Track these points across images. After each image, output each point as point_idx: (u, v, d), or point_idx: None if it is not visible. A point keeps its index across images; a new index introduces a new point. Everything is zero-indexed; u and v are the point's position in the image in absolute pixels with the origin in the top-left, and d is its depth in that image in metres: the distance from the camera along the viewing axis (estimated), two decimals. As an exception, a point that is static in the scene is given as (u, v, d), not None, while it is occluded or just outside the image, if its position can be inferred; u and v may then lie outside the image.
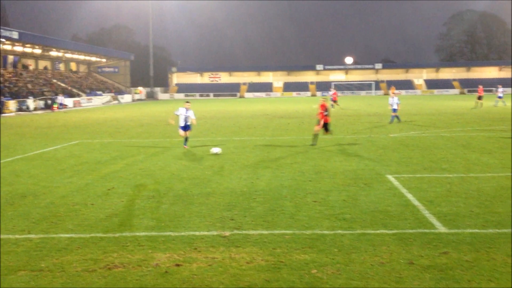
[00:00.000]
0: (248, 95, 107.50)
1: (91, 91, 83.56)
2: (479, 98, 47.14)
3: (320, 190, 11.81)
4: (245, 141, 22.53)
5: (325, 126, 20.44)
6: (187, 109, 19.75)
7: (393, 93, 33.05)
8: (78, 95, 77.03)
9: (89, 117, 45.32)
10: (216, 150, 18.05)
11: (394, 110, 30.25)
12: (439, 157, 16.52)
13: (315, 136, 20.39)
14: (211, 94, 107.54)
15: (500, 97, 49.80)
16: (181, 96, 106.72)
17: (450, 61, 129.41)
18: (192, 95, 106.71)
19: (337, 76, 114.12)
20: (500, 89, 51.04)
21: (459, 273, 6.70)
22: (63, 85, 79.18)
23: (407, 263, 7.08)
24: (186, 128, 19.83)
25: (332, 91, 52.38)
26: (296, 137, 23.43)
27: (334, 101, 49.52)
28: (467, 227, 8.75)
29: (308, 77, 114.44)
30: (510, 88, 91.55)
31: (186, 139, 19.97)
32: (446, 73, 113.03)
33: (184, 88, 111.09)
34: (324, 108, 20.36)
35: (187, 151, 19.24)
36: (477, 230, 8.54)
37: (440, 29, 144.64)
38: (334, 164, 15.66)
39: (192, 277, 6.75)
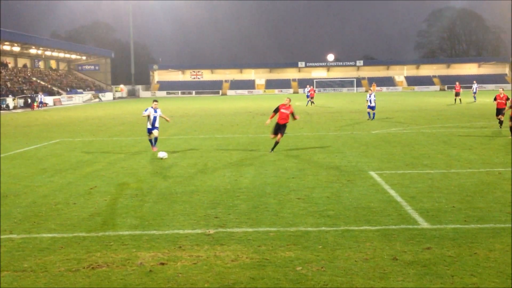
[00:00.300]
0: (230, 92, 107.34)
1: (72, 89, 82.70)
2: (457, 94, 47.91)
3: (303, 187, 11.84)
4: (228, 138, 22.51)
5: (280, 128, 17.90)
6: (155, 109, 18.29)
7: (370, 89, 33.35)
8: (59, 93, 76.17)
9: (70, 115, 44.85)
10: (162, 154, 16.71)
11: (371, 107, 30.44)
12: (420, 153, 16.68)
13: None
14: (193, 91, 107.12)
15: (471, 93, 50.78)
16: (163, 93, 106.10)
17: (430, 58, 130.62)
18: (174, 93, 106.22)
19: (319, 73, 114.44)
20: (474, 86, 51.99)
21: (442, 269, 6.78)
22: (43, 83, 78.24)
23: (391, 259, 7.14)
24: (154, 129, 18.29)
25: (308, 88, 52.66)
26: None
27: (311, 97, 49.98)
28: (449, 222, 8.85)
29: (290, 74, 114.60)
30: (495, 85, 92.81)
31: (155, 140, 18.52)
32: (426, 70, 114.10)
33: (166, 86, 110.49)
34: (288, 108, 17.98)
35: (169, 149, 19.13)
36: (459, 226, 8.64)
37: (420, 26, 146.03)
38: (317, 161, 15.72)
39: (177, 275, 6.73)
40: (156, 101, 18.67)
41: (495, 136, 20.71)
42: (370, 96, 30.50)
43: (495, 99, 24.55)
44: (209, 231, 8.57)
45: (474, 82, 54.82)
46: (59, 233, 8.68)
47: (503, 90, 25.04)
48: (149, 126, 18.34)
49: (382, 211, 9.62)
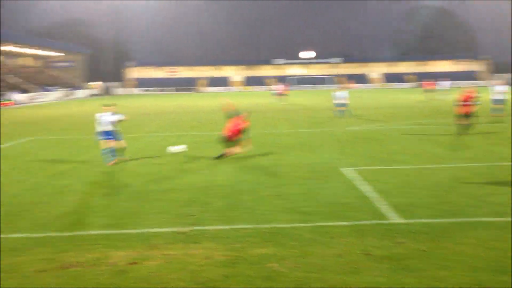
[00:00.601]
0: (207, 89, 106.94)
1: (45, 87, 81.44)
2: (428, 91, 48.70)
3: (279, 184, 11.84)
4: (205, 136, 22.39)
5: (230, 141, 15.65)
6: (113, 113, 15.45)
7: (343, 87, 33.44)
8: (32, 91, 74.94)
9: (43, 113, 44.12)
10: (176, 148, 15.66)
11: (340, 105, 30.50)
12: (395, 150, 16.83)
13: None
14: (170, 88, 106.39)
15: (442, 90, 51.23)
16: (139, 91, 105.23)
17: (406, 55, 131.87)
18: (151, 90, 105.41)
19: (296, 70, 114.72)
20: (444, 83, 52.75)
21: (414, 263, 6.85)
22: (15, 80, 76.87)
23: (364, 254, 7.18)
24: (111, 136, 15.18)
25: (278, 85, 52.64)
26: (256, 131, 23.41)
27: (282, 95, 50.13)
28: (422, 217, 8.95)
29: (268, 71, 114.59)
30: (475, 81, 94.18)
31: (113, 150, 15.24)
32: (403, 67, 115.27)
33: (143, 83, 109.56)
34: (237, 124, 15.73)
35: (145, 146, 18.96)
36: (431, 220, 8.74)
37: (397, 23, 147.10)
38: (292, 157, 15.75)
39: (150, 274, 6.66)
40: (109, 105, 15.57)
41: (467, 132, 20.87)
42: (340, 94, 30.62)
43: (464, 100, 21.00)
44: (183, 229, 8.51)
45: (444, 79, 55.51)
46: (30, 233, 8.52)
47: (472, 88, 22.63)
48: (103, 129, 15.20)
49: (356, 207, 9.68)
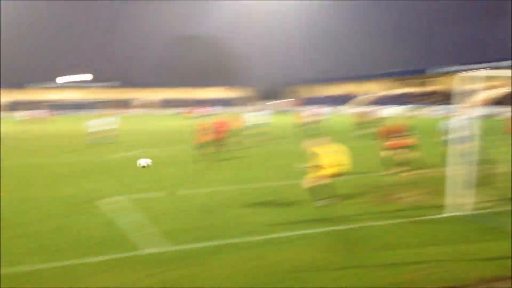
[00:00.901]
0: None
1: None
2: (185, 118, 52.04)
3: (29, 221, 10.57)
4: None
5: None
6: None
7: (101, 114, 32.96)
8: None
9: None
10: (144, 161, 14.99)
11: (106, 131, 29.87)
12: (163, 175, 16.70)
13: None
14: None
15: (197, 116, 54.83)
16: None
17: (181, 81, 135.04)
18: None
19: (68, 94, 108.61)
20: (205, 109, 56.91)
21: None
22: None
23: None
24: None
25: (29, 112, 49.86)
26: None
27: (36, 122, 47.76)
28: (188, 242, 8.92)
29: (28, 95, 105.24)
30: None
31: None
32: (177, 93, 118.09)
33: None
34: None
35: None
36: (197, 245, 8.75)
37: (170, 50, 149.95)
38: (48, 190, 14.32)
39: None
40: None
41: (218, 158, 21.10)
42: (101, 120, 30.06)
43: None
44: None
45: (207, 106, 59.60)
46: None
47: (225, 115, 23.10)
48: None
49: (115, 240, 9.19)
